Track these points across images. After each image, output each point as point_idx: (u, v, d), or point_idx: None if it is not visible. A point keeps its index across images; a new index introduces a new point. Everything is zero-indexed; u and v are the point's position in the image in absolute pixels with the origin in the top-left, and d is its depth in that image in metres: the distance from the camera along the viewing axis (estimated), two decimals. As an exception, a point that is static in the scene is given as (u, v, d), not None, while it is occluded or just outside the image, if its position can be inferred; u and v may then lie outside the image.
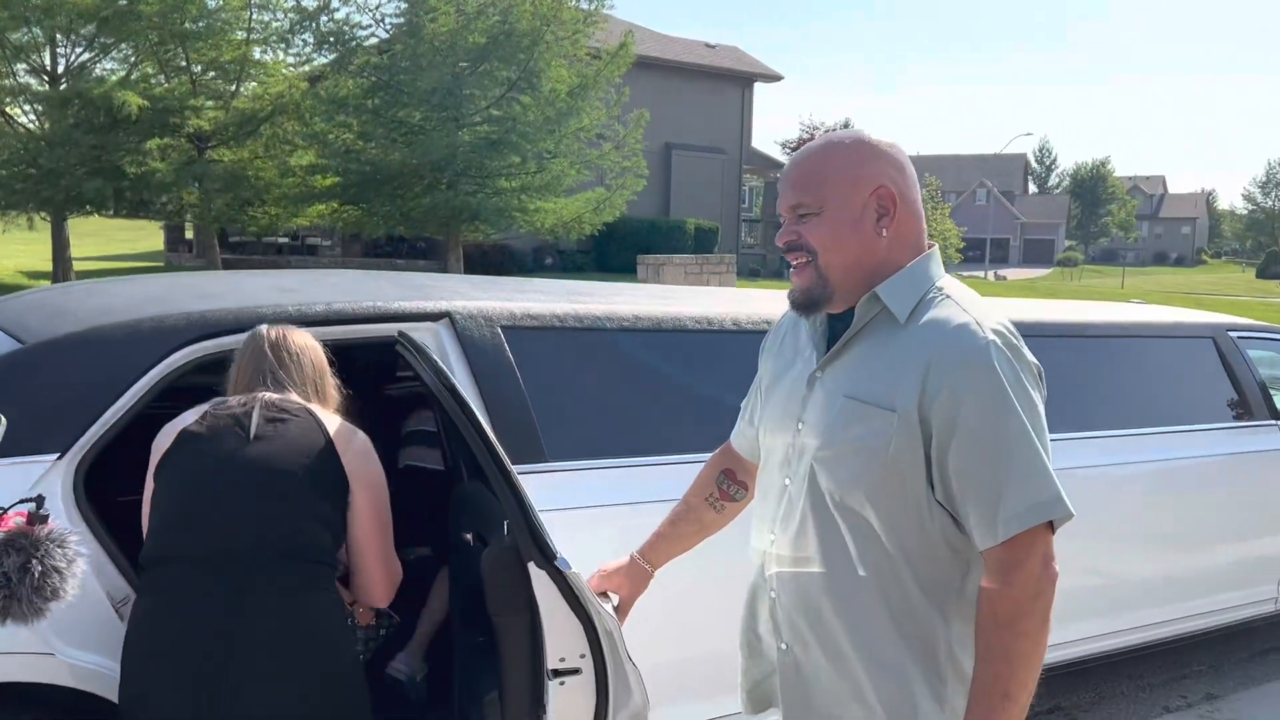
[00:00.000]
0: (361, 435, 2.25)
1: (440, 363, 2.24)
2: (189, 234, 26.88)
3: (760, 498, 1.81)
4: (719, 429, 2.96)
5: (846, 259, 1.64)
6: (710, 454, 2.15)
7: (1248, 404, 4.43)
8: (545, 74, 16.75)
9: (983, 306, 1.62)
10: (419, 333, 2.73)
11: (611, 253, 25.70)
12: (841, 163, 1.65)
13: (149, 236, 33.87)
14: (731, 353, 3.13)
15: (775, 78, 32.17)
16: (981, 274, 46.06)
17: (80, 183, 17.15)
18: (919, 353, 1.56)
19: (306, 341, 2.34)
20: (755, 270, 29.61)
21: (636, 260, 15.82)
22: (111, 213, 19.52)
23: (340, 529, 2.18)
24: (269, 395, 2.21)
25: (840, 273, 1.64)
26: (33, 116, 19.46)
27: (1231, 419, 4.34)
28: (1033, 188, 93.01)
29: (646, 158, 19.15)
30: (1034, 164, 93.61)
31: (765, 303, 3.59)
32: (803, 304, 1.68)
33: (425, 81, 16.22)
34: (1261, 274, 57.26)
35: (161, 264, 27.01)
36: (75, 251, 21.77)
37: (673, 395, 3.01)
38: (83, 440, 2.24)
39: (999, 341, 1.55)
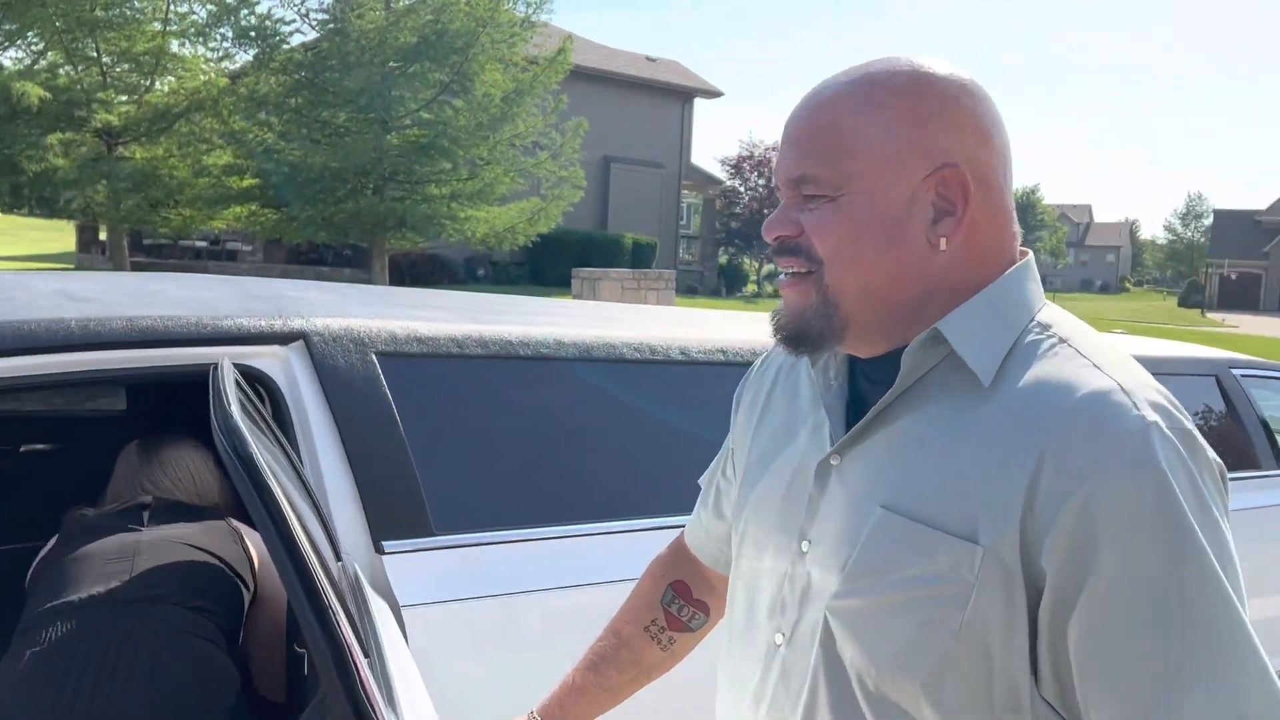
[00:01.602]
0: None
1: (238, 402, 1.52)
2: (103, 235, 25.54)
3: (735, 652, 1.14)
4: (673, 489, 2.30)
5: (873, 278, 0.98)
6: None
7: (1254, 452, 3.90)
8: (479, 78, 16.03)
9: (1121, 358, 0.96)
10: (261, 359, 2.02)
11: (546, 265, 24.99)
12: (883, 119, 0.97)
13: (63, 237, 32.34)
14: (683, 390, 2.46)
15: (715, 94, 31.82)
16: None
17: (-29, 177, 15.94)
18: (1022, 439, 0.90)
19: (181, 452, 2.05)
20: (693, 288, 29.12)
21: (572, 274, 15.12)
22: (6, 211, 18.26)
23: None
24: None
25: (859, 298, 0.99)
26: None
27: (1240, 469, 3.79)
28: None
29: (585, 170, 18.51)
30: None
31: (722, 327, 2.93)
32: (792, 337, 1.02)
33: (352, 81, 15.37)
34: (1183, 303, 58.52)
35: (72, 265, 25.66)
36: (-26, 250, 20.39)
37: (607, 444, 2.33)
38: None
39: (1163, 424, 0.89)
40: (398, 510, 1.99)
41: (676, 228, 31.21)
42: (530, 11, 16.71)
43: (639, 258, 26.63)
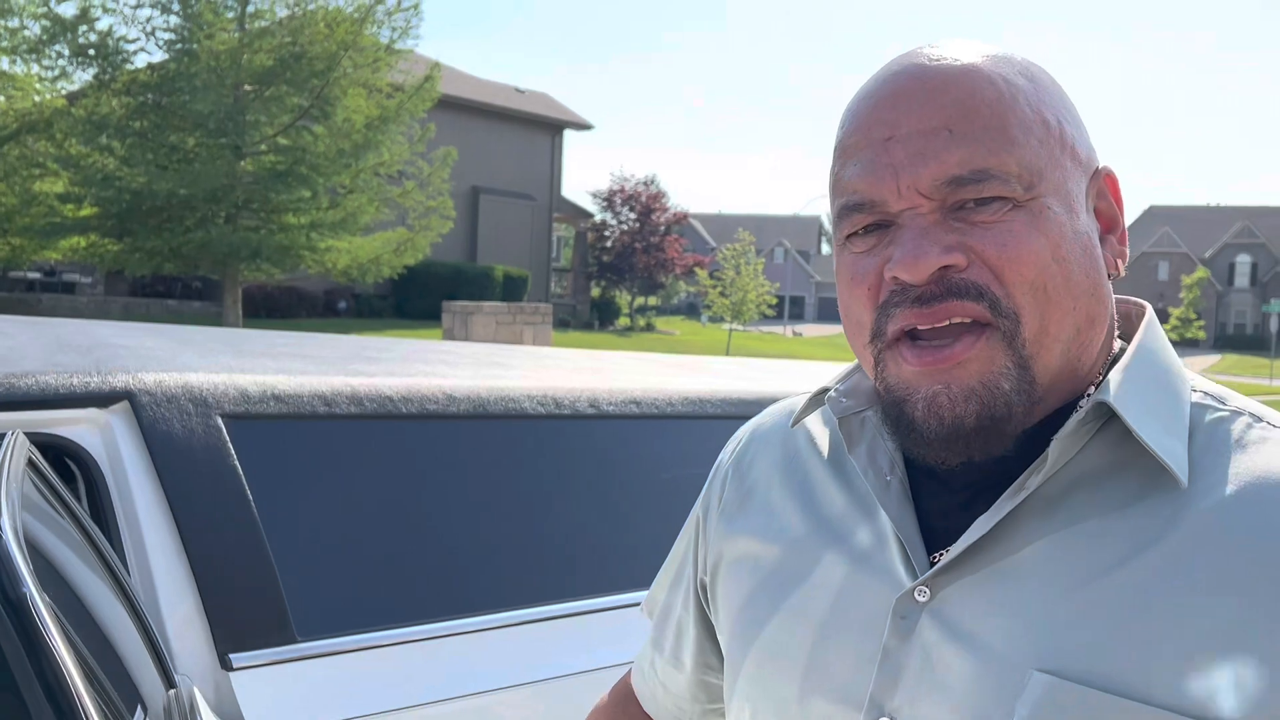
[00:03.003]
0: None
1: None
2: (-80, 267, 23.53)
3: None
4: (595, 566, 1.97)
5: (1079, 320, 0.71)
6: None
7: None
8: (341, 103, 15.37)
9: None
10: (71, 427, 1.60)
11: (413, 298, 24.27)
12: (1043, 101, 0.72)
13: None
14: (596, 449, 2.13)
15: (585, 126, 31.78)
16: (781, 329, 47.23)
17: None
18: (1263, 562, 0.64)
19: None
20: (565, 321, 28.81)
21: (442, 307, 14.58)
22: None
23: None
24: None
25: (1059, 355, 0.71)
26: None
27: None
28: (826, 248, 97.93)
29: (453, 200, 18.01)
30: (827, 225, 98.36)
31: (628, 373, 2.62)
32: (967, 431, 0.69)
33: (202, 104, 14.48)
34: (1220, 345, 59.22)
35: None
36: None
37: (511, 517, 1.97)
38: None
39: None
40: (250, 613, 1.59)
41: (548, 260, 30.90)
42: (394, 38, 16.17)
43: (510, 290, 26.18)
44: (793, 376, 3.08)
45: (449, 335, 13.96)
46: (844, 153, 0.73)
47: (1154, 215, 66.03)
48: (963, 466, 0.71)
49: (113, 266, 17.02)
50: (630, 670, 1.09)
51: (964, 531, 0.70)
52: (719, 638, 0.89)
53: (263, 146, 15.38)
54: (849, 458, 0.79)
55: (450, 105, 23.92)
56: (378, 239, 17.00)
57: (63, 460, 1.63)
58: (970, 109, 0.69)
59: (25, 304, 20.38)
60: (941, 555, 0.71)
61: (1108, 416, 0.70)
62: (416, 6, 16.03)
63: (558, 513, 2.03)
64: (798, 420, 0.85)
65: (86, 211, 15.59)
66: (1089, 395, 0.72)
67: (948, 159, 0.68)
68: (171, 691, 1.36)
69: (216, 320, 17.55)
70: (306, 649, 1.62)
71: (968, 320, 0.69)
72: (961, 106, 0.69)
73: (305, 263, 15.97)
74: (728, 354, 24.19)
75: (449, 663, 1.73)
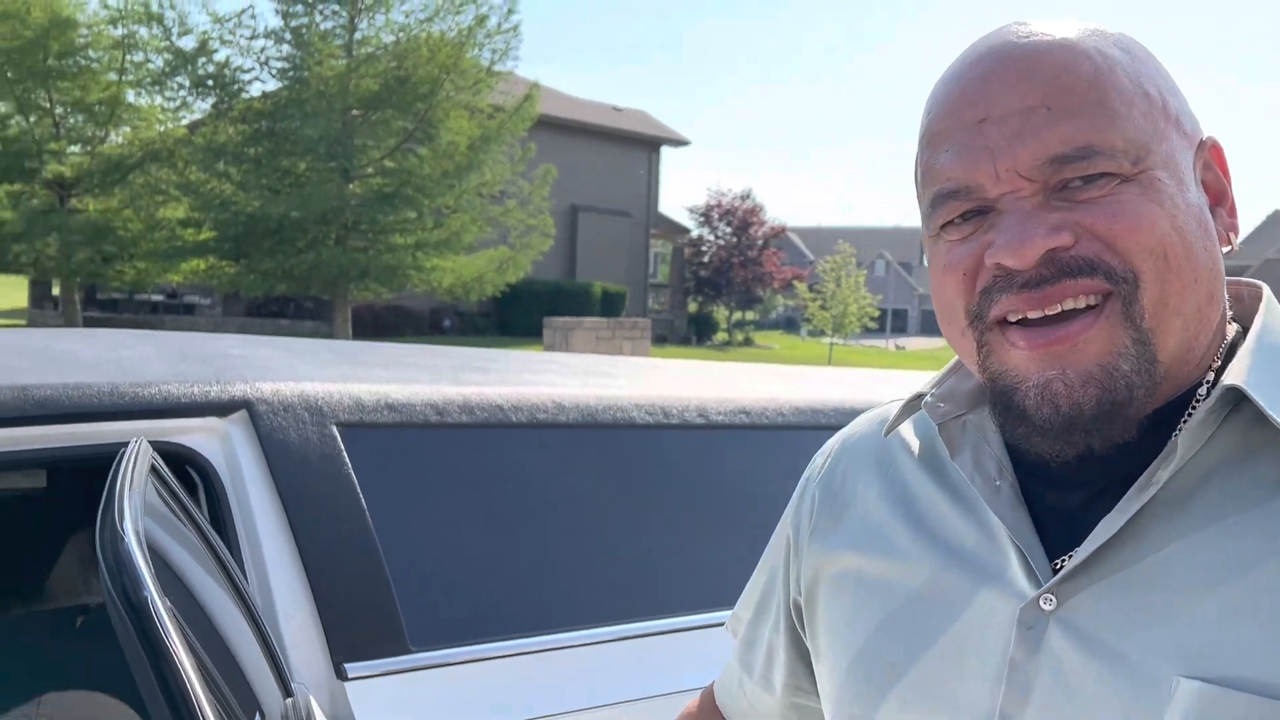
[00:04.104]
0: None
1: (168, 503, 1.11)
2: (56, 290, 24.86)
3: None
4: (706, 581, 1.91)
5: (1199, 297, 0.67)
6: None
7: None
8: (444, 125, 15.74)
9: None
10: (192, 436, 1.62)
11: (515, 315, 24.64)
12: (1143, 71, 0.68)
13: (16, 292, 31.54)
14: (705, 459, 2.08)
15: (682, 142, 31.87)
16: (883, 343, 46.44)
17: (-88, 231, 15.37)
18: None
19: None
20: (663, 336, 28.86)
21: (543, 323, 14.74)
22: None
23: None
24: None
25: (1180, 333, 0.66)
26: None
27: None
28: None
29: (553, 218, 18.24)
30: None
31: (737, 383, 2.57)
32: (1086, 419, 0.65)
33: (312, 129, 15.00)
34: None
35: (24, 321, 24.91)
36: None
37: (623, 527, 1.93)
38: None
39: None
40: (364, 623, 1.59)
41: (645, 276, 31.02)
42: (494, 59, 16.49)
43: (608, 306, 26.36)
44: (904, 386, 2.97)
45: (550, 350, 14.09)
46: (932, 139, 0.69)
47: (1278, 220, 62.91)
48: (1077, 464, 0.67)
49: (230, 288, 17.73)
50: (711, 687, 1.06)
51: (1086, 534, 0.66)
52: (814, 659, 0.84)
53: (370, 169, 15.83)
54: (950, 464, 0.75)
55: (549, 125, 24.26)
56: (481, 257, 17.31)
57: (184, 468, 1.65)
58: (1067, 84, 0.65)
59: (149, 325, 21.37)
60: (1065, 560, 0.67)
61: (1235, 402, 0.65)
62: (516, 29, 16.33)
63: (667, 524, 1.99)
64: (891, 429, 0.81)
65: (205, 235, 16.28)
66: (1207, 381, 0.68)
67: (1048, 137, 0.64)
68: (289, 700, 1.36)
69: (327, 339, 18.08)
70: (419, 660, 1.60)
71: (1081, 305, 0.64)
72: (1058, 82, 0.65)
73: (411, 282, 16.35)
74: (829, 366, 23.86)
75: (560, 676, 1.70)
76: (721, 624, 1.98)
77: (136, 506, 0.99)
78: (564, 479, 1.94)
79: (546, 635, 1.74)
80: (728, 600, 1.95)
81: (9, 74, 15.95)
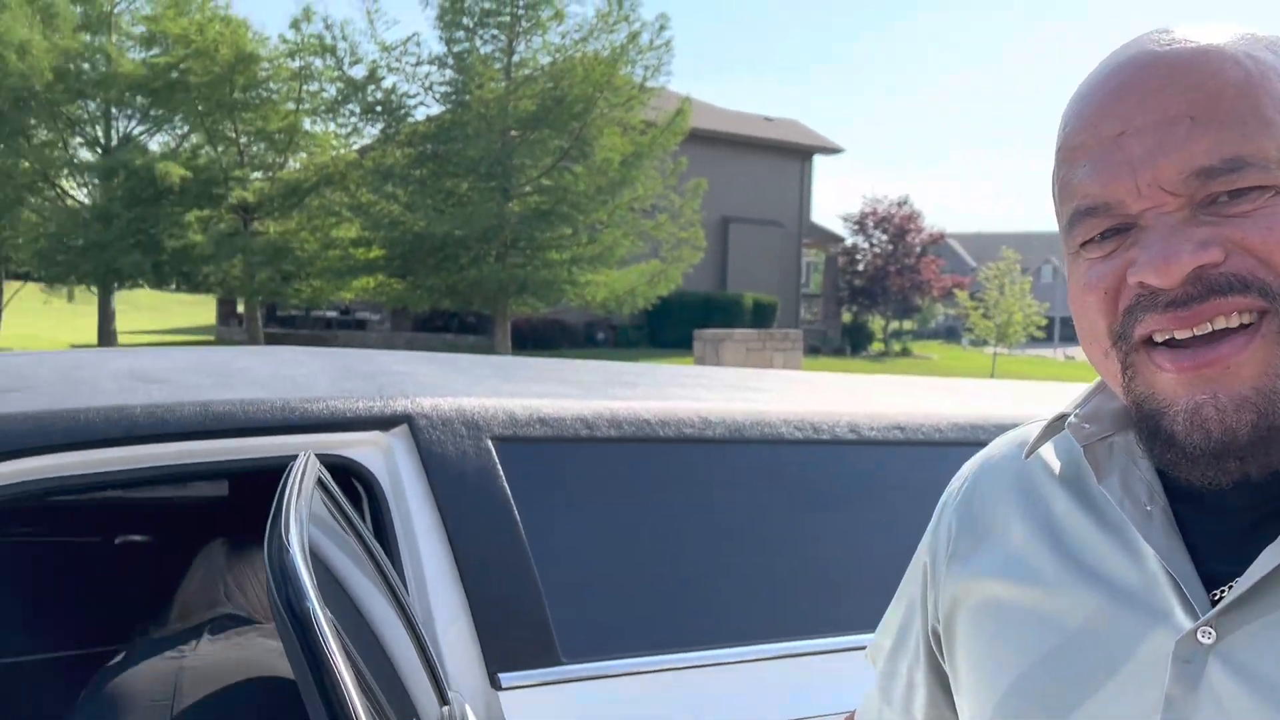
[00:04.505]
0: None
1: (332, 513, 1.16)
2: (241, 308, 26.62)
3: None
4: (860, 599, 1.88)
5: None
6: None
7: None
8: (598, 142, 16.05)
9: None
10: (357, 449, 1.69)
11: (666, 327, 24.82)
12: None
13: (206, 310, 33.87)
14: (857, 476, 2.03)
15: (835, 150, 31.43)
16: (1051, 353, 44.40)
17: (119, 256, 16.74)
18: None
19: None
20: (816, 348, 28.47)
21: (693, 335, 14.80)
22: (154, 286, 19.16)
23: None
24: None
25: None
26: (86, 191, 19.33)
27: None
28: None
29: (703, 230, 18.31)
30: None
31: (888, 397, 2.50)
32: (1238, 444, 0.61)
33: (473, 150, 15.59)
34: None
35: (213, 338, 26.75)
36: (132, 324, 21.52)
37: (775, 544, 1.91)
38: None
39: None
40: (518, 633, 1.62)
41: (797, 286, 30.71)
42: (647, 75, 16.71)
43: (760, 317, 26.22)
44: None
45: (700, 362, 14.12)
46: (1070, 154, 0.67)
47: None
48: (1233, 489, 0.63)
49: (397, 304, 18.57)
50: (856, 712, 1.03)
51: (1244, 563, 0.62)
52: (954, 688, 0.82)
53: (528, 188, 16.30)
54: (1096, 488, 0.71)
55: (700, 138, 24.37)
56: (633, 271, 17.54)
57: (349, 480, 1.73)
58: (1214, 92, 0.61)
59: (324, 340, 22.60)
60: (1223, 591, 0.63)
61: None
62: (668, 44, 16.51)
63: (816, 543, 1.95)
64: (1032, 450, 0.78)
65: (375, 253, 17.12)
66: None
67: (1193, 149, 0.60)
68: (445, 708, 1.40)
69: (488, 351, 18.69)
70: (571, 672, 1.63)
71: (1234, 324, 0.60)
72: (1203, 90, 0.61)
73: (567, 296, 16.73)
74: (992, 378, 22.98)
75: (707, 694, 1.69)
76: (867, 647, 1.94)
77: (303, 519, 1.04)
78: (711, 495, 1.93)
79: (694, 652, 1.73)
80: (876, 623, 1.90)
81: (200, 107, 17.23)
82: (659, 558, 1.83)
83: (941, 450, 2.16)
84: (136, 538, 2.76)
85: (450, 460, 1.71)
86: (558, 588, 1.69)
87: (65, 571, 2.67)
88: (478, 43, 16.26)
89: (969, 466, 0.87)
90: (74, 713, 1.51)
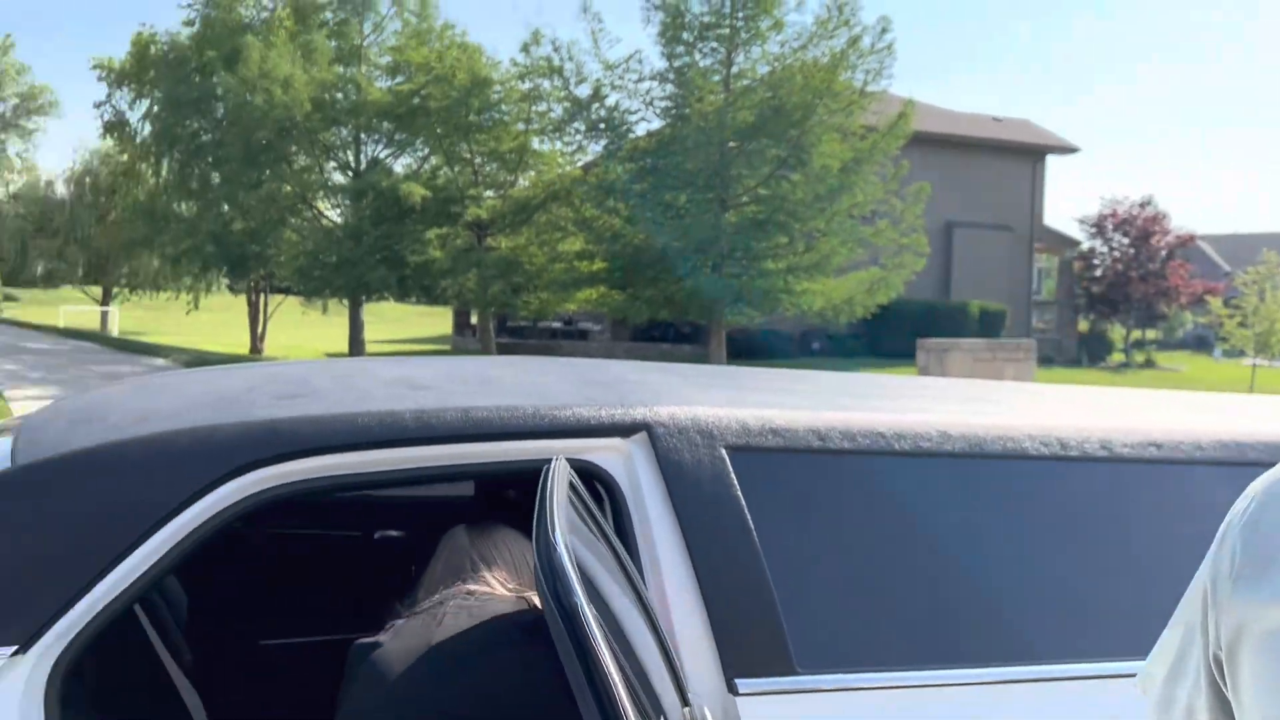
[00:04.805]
0: None
1: (575, 513, 1.23)
2: (474, 319, 28.14)
3: None
4: (1110, 625, 1.79)
5: None
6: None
7: None
8: (816, 149, 15.89)
9: None
10: (600, 454, 1.77)
11: (885, 337, 24.19)
12: None
13: (442, 321, 35.99)
14: (1107, 496, 1.93)
15: (1069, 149, 29.69)
16: (1323, 363, 39.90)
17: (367, 271, 18.11)
18: None
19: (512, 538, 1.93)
20: (1049, 358, 26.92)
21: (916, 345, 14.37)
22: (396, 299, 20.62)
23: None
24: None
25: None
26: (339, 211, 21.06)
27: None
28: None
29: (926, 235, 17.73)
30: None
31: (1142, 411, 2.35)
32: None
33: (692, 163, 15.81)
34: None
35: (449, 347, 28.37)
36: (376, 334, 23.24)
37: (1015, 563, 1.85)
38: (60, 627, 1.43)
39: None
40: (753, 640, 1.64)
41: (1028, 293, 29.17)
42: (868, 80, 16.40)
43: (986, 326, 25.09)
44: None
45: (924, 373, 13.67)
46: None
47: None
48: None
49: (617, 314, 19.10)
50: None
51: None
52: (1239, 717, 0.78)
53: (744, 198, 16.36)
54: None
55: (923, 140, 23.63)
56: (851, 279, 17.24)
57: (592, 484, 1.81)
58: None
59: (549, 349, 23.52)
60: None
61: None
62: (890, 47, 16.15)
63: (1063, 564, 1.86)
64: None
65: (597, 266, 17.69)
66: None
67: None
68: (686, 709, 1.44)
69: (702, 361, 18.89)
70: (806, 682, 1.63)
71: None
72: None
73: (783, 305, 16.65)
74: (1251, 393, 20.96)
75: (944, 714, 1.65)
76: (1123, 675, 1.82)
77: (565, 519, 1.11)
78: (949, 510, 1.88)
79: (931, 670, 1.70)
80: (1129, 649, 1.79)
81: (439, 130, 18.40)
82: (893, 573, 1.80)
83: (1202, 470, 2.01)
84: (392, 533, 2.99)
85: (687, 468, 1.76)
86: (790, 598, 1.70)
87: (329, 563, 2.93)
88: (697, 56, 16.49)
89: (1256, 486, 0.83)
90: (345, 686, 1.65)
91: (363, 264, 18.01)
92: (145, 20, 35.18)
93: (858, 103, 16.24)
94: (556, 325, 26.88)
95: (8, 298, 30.28)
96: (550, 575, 0.93)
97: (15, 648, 1.40)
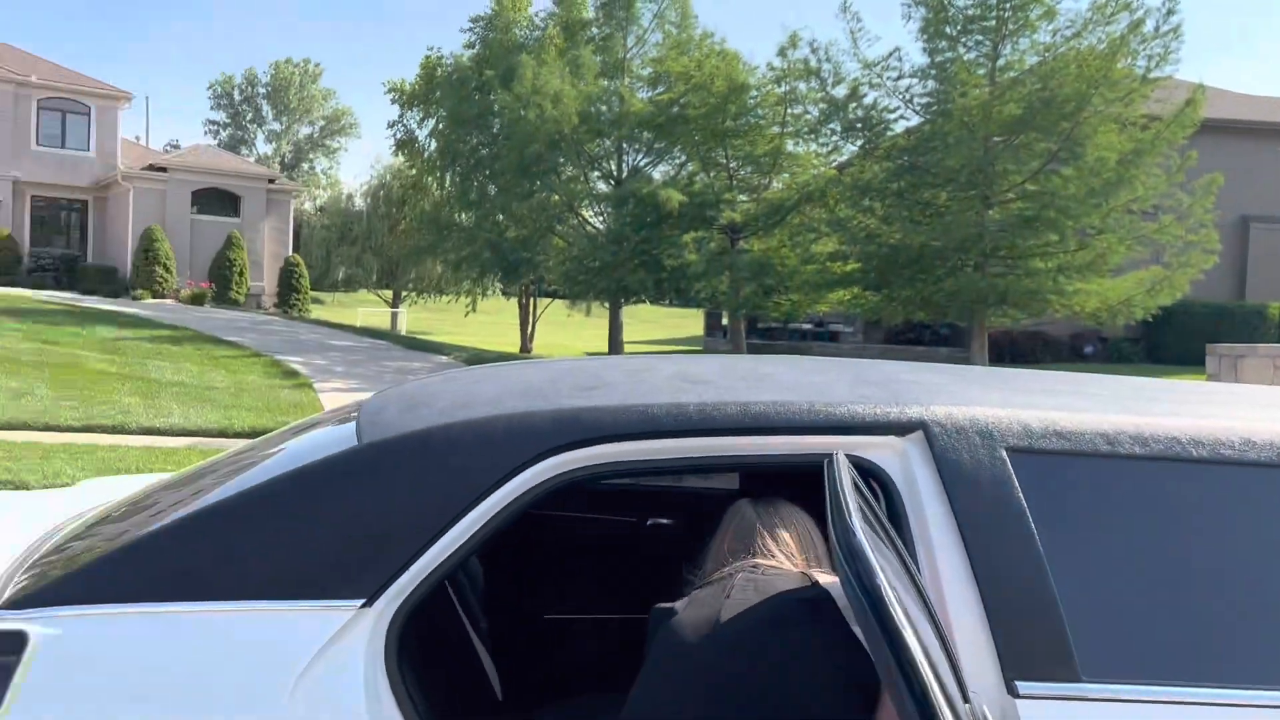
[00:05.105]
0: None
1: (866, 512, 1.28)
2: (725, 320, 28.45)
3: None
4: None
5: None
6: None
7: None
8: (1090, 142, 14.89)
9: None
10: (874, 451, 1.81)
11: (1167, 341, 22.31)
12: None
13: (693, 323, 36.67)
14: None
15: (1396, 131, 26.08)
16: None
17: (627, 275, 18.78)
18: None
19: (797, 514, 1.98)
20: (1368, 366, 23.78)
21: (1206, 350, 13.16)
22: (652, 301, 21.26)
23: None
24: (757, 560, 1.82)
25: None
26: (602, 218, 22.01)
27: None
28: None
29: (1218, 232, 16.17)
30: None
31: None
32: None
33: (953, 159, 15.25)
34: None
35: (700, 348, 28.86)
36: (633, 335, 24.11)
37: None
38: (399, 584, 1.64)
39: None
40: (1034, 644, 1.63)
41: (1344, 294, 25.94)
42: (1150, 66, 15.18)
43: (1290, 331, 22.56)
44: None
45: (1214, 380, 12.50)
46: None
47: None
48: None
49: (870, 316, 18.74)
50: None
51: None
52: None
53: (1010, 194, 15.59)
54: None
55: (1214, 128, 21.57)
56: (1129, 279, 16.02)
57: (866, 480, 1.85)
58: None
59: (799, 351, 23.41)
60: None
61: None
62: (1176, 30, 14.89)
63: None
64: None
65: (851, 267, 17.43)
66: None
67: None
68: (966, 705, 1.46)
69: (962, 364, 18.17)
70: (1092, 690, 1.60)
71: None
72: None
73: (1051, 306, 15.73)
74: None
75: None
76: None
77: (855, 507, 1.17)
78: (1251, 523, 1.78)
79: (1227, 689, 1.62)
80: None
81: (696, 137, 18.79)
82: (1185, 586, 1.72)
83: None
84: (663, 521, 3.14)
85: (965, 468, 1.76)
86: (1075, 604, 1.66)
87: (607, 546, 3.12)
88: (961, 50, 15.91)
89: None
90: (648, 643, 1.78)
91: (623, 268, 18.72)
92: (433, 45, 38.09)
93: (1138, 91, 15.07)
94: (807, 327, 26.69)
95: (315, 300, 33.84)
96: (850, 558, 0.99)
97: (363, 600, 1.62)
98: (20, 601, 1.62)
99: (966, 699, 1.48)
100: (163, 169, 31.91)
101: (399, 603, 1.64)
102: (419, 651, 1.93)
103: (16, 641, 1.54)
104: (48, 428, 9.76)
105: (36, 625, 1.56)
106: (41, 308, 21.55)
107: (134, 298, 27.55)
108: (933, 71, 16.16)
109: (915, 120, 17.03)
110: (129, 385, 12.80)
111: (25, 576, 1.76)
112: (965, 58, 15.85)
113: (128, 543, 1.71)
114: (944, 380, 2.18)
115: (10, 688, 1.51)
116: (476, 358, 18.76)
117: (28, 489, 6.56)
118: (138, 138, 41.88)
